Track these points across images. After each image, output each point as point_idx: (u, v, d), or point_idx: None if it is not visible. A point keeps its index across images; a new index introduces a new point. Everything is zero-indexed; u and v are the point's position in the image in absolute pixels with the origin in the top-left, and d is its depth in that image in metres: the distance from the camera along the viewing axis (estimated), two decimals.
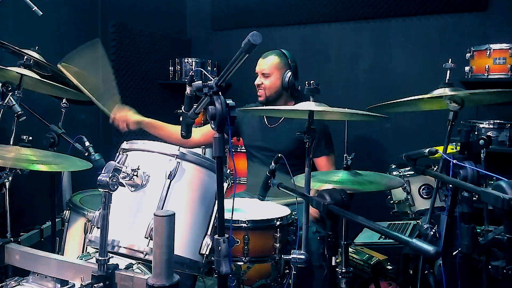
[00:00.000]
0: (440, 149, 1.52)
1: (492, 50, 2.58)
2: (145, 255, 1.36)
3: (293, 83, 2.40)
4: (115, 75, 3.20)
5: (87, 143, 1.93)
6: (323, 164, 2.42)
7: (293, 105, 2.42)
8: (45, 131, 1.91)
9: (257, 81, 2.46)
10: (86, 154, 1.91)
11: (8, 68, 1.77)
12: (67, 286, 1.45)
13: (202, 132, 2.61)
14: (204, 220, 1.47)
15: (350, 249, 2.35)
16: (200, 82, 1.23)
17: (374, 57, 3.25)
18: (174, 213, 1.14)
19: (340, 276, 1.50)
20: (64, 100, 1.98)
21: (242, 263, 1.78)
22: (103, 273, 1.23)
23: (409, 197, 2.29)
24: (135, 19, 3.41)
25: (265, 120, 2.51)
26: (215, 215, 1.46)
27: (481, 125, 2.58)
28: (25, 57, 1.88)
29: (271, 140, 2.44)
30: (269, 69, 2.41)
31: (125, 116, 2.33)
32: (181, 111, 1.53)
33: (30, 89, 1.95)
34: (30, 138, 1.81)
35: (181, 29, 3.99)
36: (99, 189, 1.24)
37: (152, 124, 2.45)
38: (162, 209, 1.38)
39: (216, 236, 1.21)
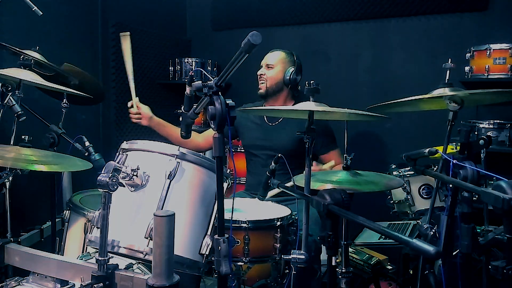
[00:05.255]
0: (440, 149, 1.52)
1: (492, 50, 2.58)
2: (145, 255, 1.36)
3: (294, 79, 2.41)
4: (115, 75, 3.22)
5: (87, 143, 1.93)
6: (332, 158, 2.42)
7: (293, 105, 2.43)
8: (45, 131, 1.90)
9: (259, 71, 2.49)
10: (86, 154, 1.91)
11: (8, 68, 1.77)
12: (67, 286, 1.45)
13: (206, 137, 2.62)
14: (204, 220, 1.47)
15: (350, 249, 2.35)
16: (200, 82, 1.23)
17: (374, 57, 3.25)
18: (174, 213, 1.14)
19: (340, 276, 1.50)
20: (64, 100, 1.98)
21: (242, 263, 1.78)
22: (103, 273, 1.23)
23: (409, 197, 2.29)
24: (135, 19, 3.40)
25: (265, 118, 2.52)
26: (215, 215, 1.46)
27: (481, 125, 2.58)
28: (25, 57, 1.88)
29: (272, 139, 2.45)
30: (274, 60, 2.45)
31: (143, 108, 2.44)
32: (181, 111, 1.52)
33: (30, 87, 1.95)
34: (30, 138, 1.81)
35: (181, 29, 3.98)
36: (99, 189, 1.24)
37: (162, 123, 2.51)
38: (162, 209, 1.38)
39: (216, 236, 1.21)
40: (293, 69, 2.42)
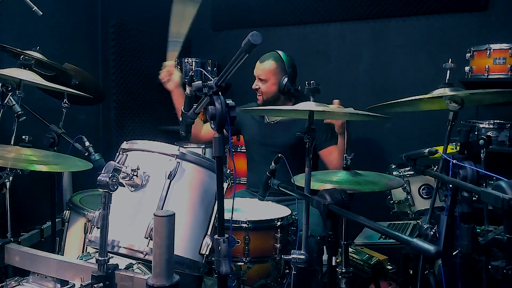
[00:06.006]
0: (440, 149, 1.52)
1: (492, 50, 2.58)
2: (145, 255, 1.36)
3: (289, 89, 2.41)
4: (115, 75, 3.22)
5: (87, 143, 1.93)
6: (331, 152, 2.40)
7: (292, 104, 2.43)
8: (45, 131, 1.90)
9: (254, 85, 2.49)
10: (86, 154, 1.91)
11: (8, 68, 1.77)
12: (67, 286, 1.45)
13: (205, 129, 2.62)
14: (204, 220, 1.47)
15: (350, 249, 2.35)
16: (200, 82, 1.23)
17: (374, 57, 3.25)
18: (174, 213, 1.14)
19: (340, 276, 1.50)
20: (64, 100, 1.98)
21: (242, 263, 1.78)
22: (103, 273, 1.23)
23: (409, 197, 2.28)
24: (135, 19, 3.40)
25: (266, 116, 2.52)
26: (215, 215, 1.46)
27: (481, 125, 2.57)
28: (25, 57, 1.88)
29: (272, 136, 2.45)
30: (265, 74, 2.43)
31: (175, 74, 2.39)
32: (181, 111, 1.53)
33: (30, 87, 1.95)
34: (30, 138, 1.81)
35: None
36: (99, 189, 1.24)
37: (182, 97, 2.42)
38: (162, 209, 1.38)
39: (216, 236, 1.21)
40: (286, 79, 2.40)
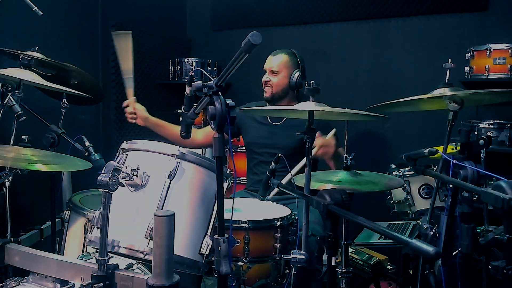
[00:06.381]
0: (440, 149, 1.52)
1: (492, 50, 2.58)
2: (145, 255, 1.36)
3: (300, 83, 2.39)
4: (115, 75, 3.22)
5: (87, 143, 1.93)
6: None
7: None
8: (45, 131, 1.90)
9: (264, 78, 2.46)
10: (86, 154, 1.91)
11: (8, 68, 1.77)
12: (67, 286, 1.45)
13: (205, 133, 2.61)
14: (204, 220, 1.47)
15: (350, 249, 2.35)
16: (200, 82, 1.23)
17: (374, 57, 3.25)
18: (174, 213, 1.14)
19: (340, 276, 1.50)
20: (63, 100, 1.98)
21: (242, 263, 1.78)
22: (103, 273, 1.23)
23: (409, 197, 2.29)
24: (135, 19, 3.40)
25: (268, 118, 2.51)
26: (215, 215, 1.46)
27: (481, 125, 2.58)
28: (25, 57, 1.88)
29: (274, 137, 2.45)
30: (278, 66, 2.42)
31: (138, 109, 2.38)
32: (181, 111, 1.53)
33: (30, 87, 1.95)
34: (30, 138, 1.81)
35: (181, 29, 3.99)
36: (99, 189, 1.24)
37: (158, 123, 2.48)
38: (162, 209, 1.38)
39: (216, 236, 1.21)
40: (298, 73, 2.39)
